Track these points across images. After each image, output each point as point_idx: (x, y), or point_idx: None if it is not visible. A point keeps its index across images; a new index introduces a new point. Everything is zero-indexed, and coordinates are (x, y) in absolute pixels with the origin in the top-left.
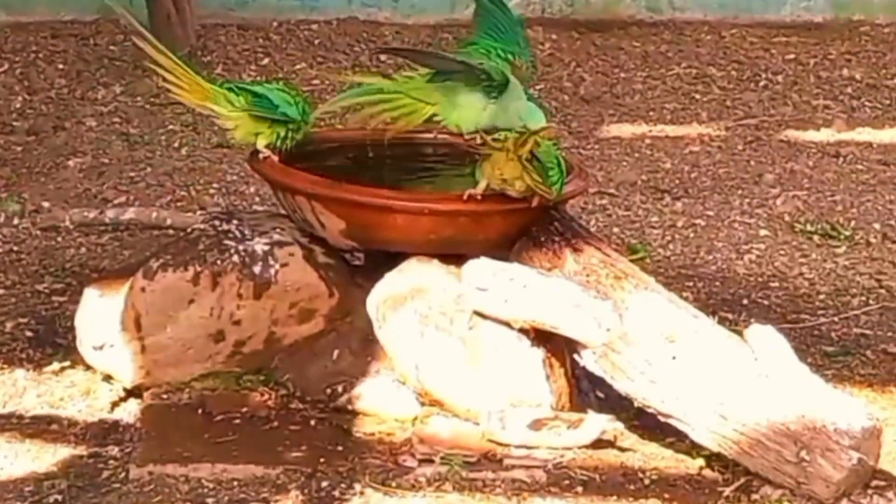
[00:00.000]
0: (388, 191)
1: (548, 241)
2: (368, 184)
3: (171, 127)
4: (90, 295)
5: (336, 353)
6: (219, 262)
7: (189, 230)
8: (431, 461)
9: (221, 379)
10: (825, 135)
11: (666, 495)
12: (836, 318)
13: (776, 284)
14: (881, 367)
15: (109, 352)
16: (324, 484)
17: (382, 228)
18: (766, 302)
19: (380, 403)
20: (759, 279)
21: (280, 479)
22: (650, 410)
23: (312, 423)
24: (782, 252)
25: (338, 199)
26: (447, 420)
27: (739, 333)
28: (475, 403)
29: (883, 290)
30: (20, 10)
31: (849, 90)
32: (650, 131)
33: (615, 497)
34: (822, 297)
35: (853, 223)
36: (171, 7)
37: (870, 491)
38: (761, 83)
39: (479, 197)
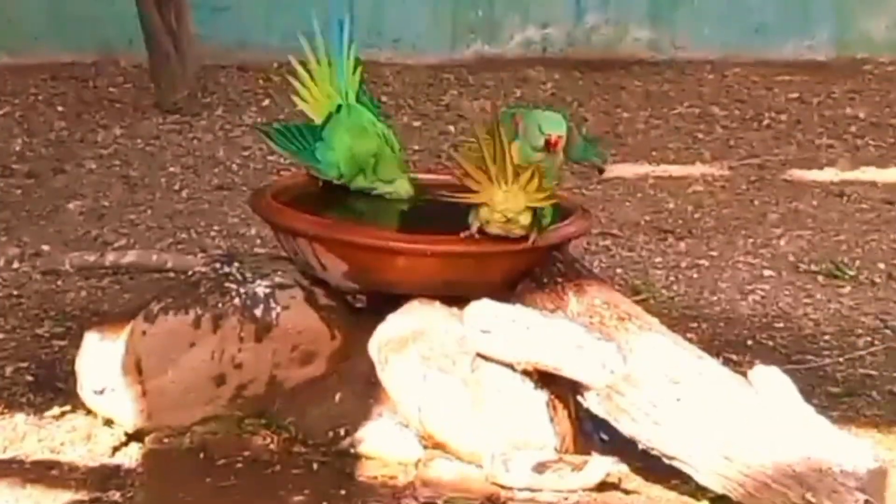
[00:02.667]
0: (389, 233)
1: (550, 282)
2: (370, 226)
3: (171, 169)
4: (91, 339)
5: (338, 395)
6: (220, 305)
7: (190, 273)
8: None
9: (223, 422)
10: (829, 174)
11: None
12: (841, 359)
13: (781, 325)
14: (887, 408)
15: (110, 396)
16: None
17: (384, 271)
18: (770, 343)
19: (382, 446)
20: (764, 320)
21: None
22: (655, 452)
23: (315, 466)
24: (787, 292)
25: (339, 242)
26: (450, 463)
27: (744, 374)
28: (478, 446)
29: (888, 331)
30: (20, 52)
31: (852, 129)
32: (653, 171)
33: None
34: (826, 337)
35: (858, 263)
36: (171, 48)
37: None
38: (764, 122)
39: (475, 236)
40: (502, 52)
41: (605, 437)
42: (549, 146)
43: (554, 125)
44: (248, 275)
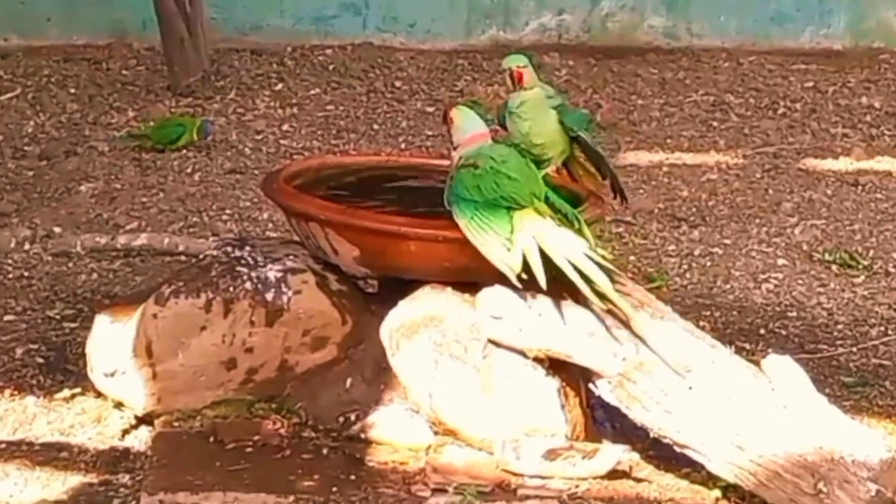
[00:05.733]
0: (401, 218)
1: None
2: (382, 210)
3: (183, 152)
4: (101, 321)
5: (349, 381)
6: (231, 288)
7: (201, 256)
8: (445, 491)
9: (233, 407)
10: (844, 163)
11: None
12: (854, 349)
13: (794, 314)
14: None
15: (121, 379)
16: None
17: (396, 256)
18: (783, 332)
19: (393, 432)
20: (777, 309)
21: None
22: (666, 441)
23: (325, 451)
24: (800, 281)
25: (351, 226)
26: (461, 449)
27: (757, 364)
28: (489, 433)
29: None
30: (33, 34)
31: (868, 118)
32: (667, 159)
33: None
34: (840, 327)
35: (872, 252)
36: (185, 31)
37: None
38: (780, 111)
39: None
40: (517, 39)
41: (616, 424)
42: (514, 80)
43: (512, 60)
44: (260, 259)
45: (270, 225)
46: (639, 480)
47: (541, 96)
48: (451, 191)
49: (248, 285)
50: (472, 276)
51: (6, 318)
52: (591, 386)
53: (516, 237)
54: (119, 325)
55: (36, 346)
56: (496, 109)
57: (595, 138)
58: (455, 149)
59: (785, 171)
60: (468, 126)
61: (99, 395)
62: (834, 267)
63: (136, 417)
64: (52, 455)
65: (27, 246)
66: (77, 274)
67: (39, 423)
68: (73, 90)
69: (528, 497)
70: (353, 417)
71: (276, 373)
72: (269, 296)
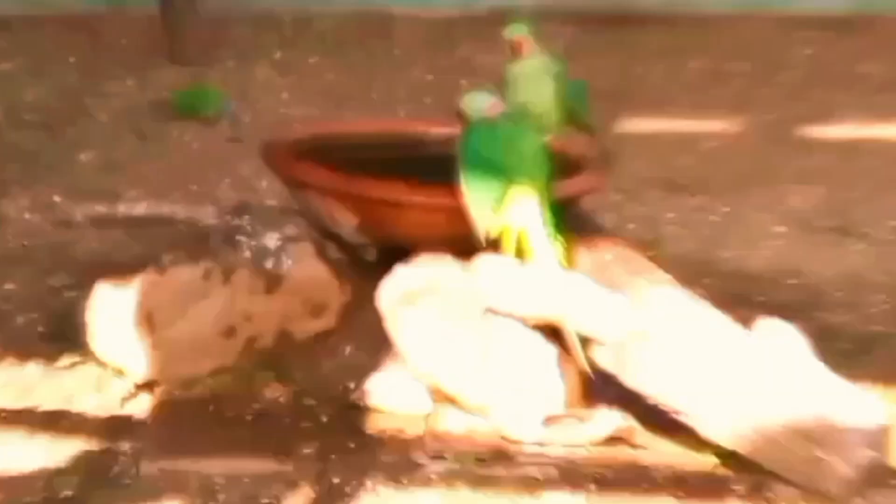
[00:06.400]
0: (401, 186)
1: (562, 237)
2: (381, 179)
3: (183, 121)
4: (102, 290)
5: (348, 349)
6: (230, 257)
7: (201, 225)
8: (444, 458)
9: (233, 374)
10: (843, 131)
11: (679, 492)
12: (851, 316)
13: (792, 281)
14: None
15: (121, 347)
16: (335, 480)
17: (395, 224)
18: (781, 298)
19: (392, 400)
20: (775, 276)
21: (292, 474)
22: (663, 407)
23: (324, 419)
24: (798, 248)
25: (350, 195)
26: (460, 416)
27: (754, 330)
28: (488, 400)
29: None
30: (32, 2)
31: (868, 85)
32: (666, 126)
33: (628, 493)
34: (838, 294)
35: (870, 220)
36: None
37: (883, 489)
38: (779, 78)
39: None
40: (516, 6)
41: (614, 391)
42: (514, 49)
43: (512, 30)
44: (259, 227)
45: (270, 193)
46: (636, 446)
47: (540, 65)
48: (463, 142)
49: (247, 254)
50: (471, 244)
51: (7, 286)
52: (589, 353)
53: (507, 207)
54: (119, 293)
55: (37, 315)
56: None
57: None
58: None
59: (784, 138)
60: (479, 106)
61: (99, 362)
62: (832, 234)
63: (137, 385)
64: (53, 422)
65: (27, 215)
66: (77, 243)
67: (41, 391)
68: (72, 59)
69: (525, 463)
70: (352, 385)
71: (275, 341)
72: (269, 264)
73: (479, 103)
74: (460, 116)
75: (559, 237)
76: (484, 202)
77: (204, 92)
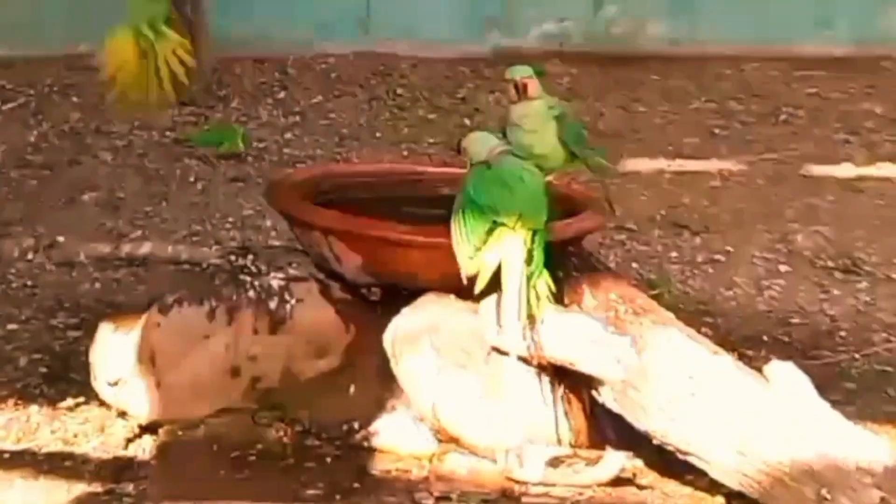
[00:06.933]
0: (405, 226)
1: (566, 276)
2: (385, 219)
3: (186, 161)
4: (105, 330)
5: (352, 389)
6: (234, 297)
7: (205, 265)
8: (449, 499)
9: (237, 415)
10: (846, 170)
11: None
12: (857, 355)
13: (797, 321)
14: None
15: (124, 387)
16: None
17: (399, 264)
18: (786, 338)
19: (397, 440)
20: (780, 315)
21: None
22: (669, 448)
23: (328, 460)
24: (803, 288)
25: (354, 235)
26: (465, 457)
27: (759, 370)
28: (493, 440)
29: None
30: (35, 42)
31: (870, 124)
32: (670, 166)
33: None
34: (843, 333)
35: (874, 258)
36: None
37: None
38: (782, 117)
39: None
40: (520, 46)
41: (619, 432)
42: (518, 91)
43: (517, 71)
44: (263, 267)
45: (274, 233)
46: (642, 487)
47: (544, 107)
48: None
49: (251, 294)
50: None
51: (10, 327)
52: (593, 393)
53: (486, 249)
54: (123, 333)
55: (39, 356)
56: (498, 121)
57: (589, 149)
58: None
59: (787, 177)
60: (481, 148)
61: (102, 404)
62: (836, 273)
63: (140, 426)
64: (55, 464)
65: (31, 255)
66: (81, 283)
67: (43, 432)
68: (75, 99)
69: None
70: (356, 425)
71: (279, 381)
72: (273, 304)
73: (482, 144)
74: (463, 156)
75: (548, 277)
76: (467, 240)
77: (230, 128)
